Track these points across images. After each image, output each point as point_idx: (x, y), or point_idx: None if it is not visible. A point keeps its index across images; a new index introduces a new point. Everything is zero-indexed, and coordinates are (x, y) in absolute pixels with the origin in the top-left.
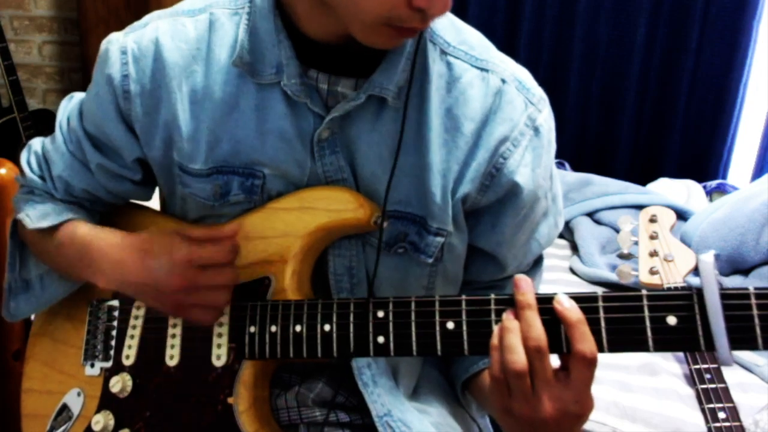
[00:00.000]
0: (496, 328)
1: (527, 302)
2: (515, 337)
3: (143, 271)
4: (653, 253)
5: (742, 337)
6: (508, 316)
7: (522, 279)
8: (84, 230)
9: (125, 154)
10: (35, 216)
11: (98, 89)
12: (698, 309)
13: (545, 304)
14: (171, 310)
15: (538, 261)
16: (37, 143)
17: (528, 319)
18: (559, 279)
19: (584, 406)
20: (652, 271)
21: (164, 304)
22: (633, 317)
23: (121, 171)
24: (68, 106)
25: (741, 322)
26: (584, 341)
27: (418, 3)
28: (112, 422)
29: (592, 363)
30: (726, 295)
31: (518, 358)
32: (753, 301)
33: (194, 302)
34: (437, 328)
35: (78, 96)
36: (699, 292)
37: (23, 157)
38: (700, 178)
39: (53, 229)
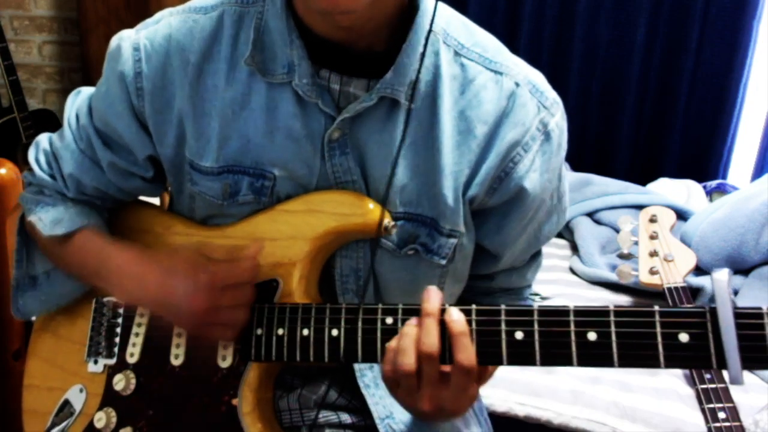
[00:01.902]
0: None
1: (430, 311)
2: (410, 341)
3: (165, 289)
4: (653, 253)
5: (754, 357)
6: (410, 322)
7: (431, 290)
8: (101, 242)
9: (137, 152)
10: (48, 221)
11: (109, 86)
12: (711, 327)
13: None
14: (191, 328)
15: (536, 254)
16: (44, 140)
17: (427, 326)
18: (559, 279)
19: (459, 405)
20: (652, 271)
21: (184, 323)
22: (645, 332)
23: (132, 168)
24: (76, 102)
25: (754, 341)
26: (464, 352)
27: None
28: (114, 420)
29: (469, 372)
30: (739, 314)
31: (408, 360)
32: (766, 321)
33: (215, 321)
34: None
35: (86, 91)
36: (712, 309)
37: (31, 154)
38: (700, 178)
39: (67, 236)
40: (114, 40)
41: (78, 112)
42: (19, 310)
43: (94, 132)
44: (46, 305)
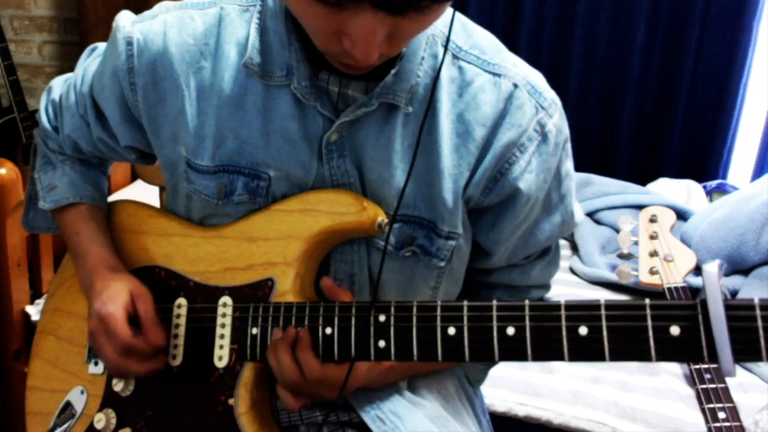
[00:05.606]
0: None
1: (283, 335)
2: (283, 352)
3: (92, 307)
4: (653, 253)
5: (745, 349)
6: (276, 333)
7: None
8: (83, 228)
9: (118, 138)
10: (45, 184)
11: (104, 71)
12: (702, 320)
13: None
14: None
15: (545, 253)
16: (56, 88)
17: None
18: (559, 279)
19: (325, 391)
20: (652, 271)
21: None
22: (636, 326)
23: (117, 148)
24: (86, 62)
25: (745, 333)
26: (304, 361)
27: (344, 43)
28: (114, 420)
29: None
30: (730, 306)
31: (289, 370)
32: (758, 312)
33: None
34: (438, 333)
35: (100, 49)
36: (703, 302)
37: (43, 100)
38: (700, 178)
39: (57, 209)
40: (113, 25)
41: (84, 75)
42: (28, 223)
43: (91, 103)
44: (49, 225)
